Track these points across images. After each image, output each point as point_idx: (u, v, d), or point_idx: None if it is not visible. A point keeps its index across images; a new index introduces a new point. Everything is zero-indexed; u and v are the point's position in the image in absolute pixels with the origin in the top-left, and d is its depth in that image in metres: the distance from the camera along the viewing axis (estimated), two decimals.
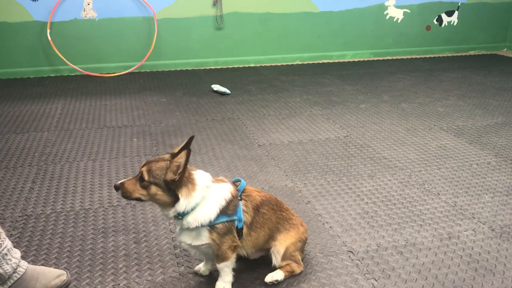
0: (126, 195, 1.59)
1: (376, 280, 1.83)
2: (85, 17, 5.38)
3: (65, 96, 4.51)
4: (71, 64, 5.35)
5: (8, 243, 1.63)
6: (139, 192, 1.58)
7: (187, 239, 1.66)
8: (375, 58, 6.50)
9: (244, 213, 1.69)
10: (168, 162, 1.55)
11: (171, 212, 1.60)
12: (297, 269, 1.85)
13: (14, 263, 1.64)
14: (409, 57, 6.59)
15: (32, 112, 4.00)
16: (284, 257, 1.80)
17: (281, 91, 4.72)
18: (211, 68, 5.87)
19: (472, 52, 6.96)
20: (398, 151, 3.15)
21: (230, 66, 5.99)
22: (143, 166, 1.58)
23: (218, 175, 2.76)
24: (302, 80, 5.17)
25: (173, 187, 1.56)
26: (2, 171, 2.84)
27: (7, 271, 1.61)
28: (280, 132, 3.50)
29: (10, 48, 5.27)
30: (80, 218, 2.29)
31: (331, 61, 6.33)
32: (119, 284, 1.81)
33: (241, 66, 6.02)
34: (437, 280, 1.84)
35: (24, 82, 5.12)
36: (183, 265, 1.92)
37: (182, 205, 1.58)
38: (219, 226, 1.63)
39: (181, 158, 1.53)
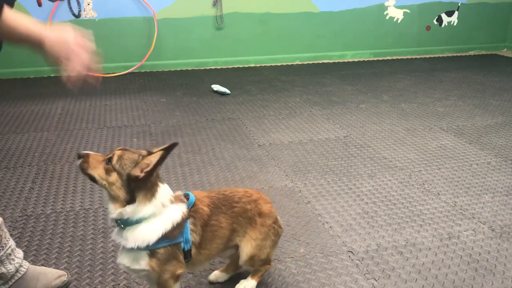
0: (84, 168, 1.41)
1: (376, 280, 1.83)
2: (85, 17, 5.38)
3: (65, 96, 4.51)
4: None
5: (12, 243, 1.64)
6: (98, 171, 1.39)
7: (125, 261, 1.44)
8: (375, 58, 6.50)
9: (192, 233, 1.47)
10: (141, 157, 1.39)
11: (116, 212, 1.38)
12: (268, 267, 1.74)
13: (17, 263, 1.65)
14: (409, 57, 6.59)
15: (32, 112, 4.00)
16: (251, 263, 1.66)
17: (281, 91, 4.72)
18: (211, 68, 5.87)
19: (472, 52, 6.96)
20: (398, 151, 3.15)
21: (230, 66, 5.99)
22: (117, 150, 1.41)
23: (218, 175, 2.77)
24: (302, 80, 5.18)
25: (133, 186, 1.36)
26: (2, 171, 2.84)
27: (10, 270, 1.62)
28: (280, 132, 3.50)
29: (10, 48, 5.26)
30: (80, 218, 2.29)
31: (331, 61, 6.33)
32: (119, 284, 1.81)
33: (241, 66, 6.02)
34: (437, 280, 1.84)
35: (24, 82, 5.12)
36: None
37: (132, 210, 1.37)
38: (160, 251, 1.41)
39: (154, 157, 1.36)
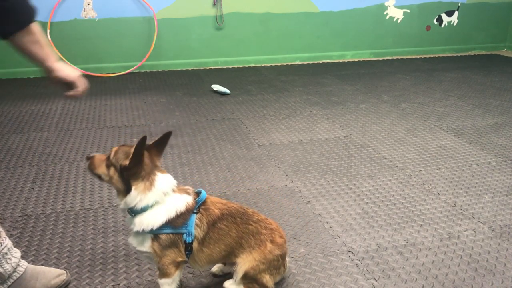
0: (91, 168, 1.55)
1: (376, 280, 1.83)
2: (85, 17, 5.38)
3: (65, 96, 4.51)
4: (71, 64, 5.35)
5: (8, 242, 1.63)
6: (102, 169, 1.52)
7: (133, 242, 1.58)
8: (375, 58, 6.50)
9: (196, 227, 1.55)
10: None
11: (122, 203, 1.52)
12: None
13: (14, 262, 1.64)
14: (409, 57, 6.59)
15: (32, 112, 4.00)
16: (244, 281, 1.65)
17: (281, 91, 4.72)
18: (211, 68, 5.87)
19: (472, 52, 6.96)
20: (398, 151, 3.15)
21: (230, 66, 5.99)
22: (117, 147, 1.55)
23: (218, 175, 2.77)
24: (302, 80, 5.17)
25: (126, 176, 1.48)
26: (2, 171, 2.84)
27: (7, 270, 1.61)
28: (280, 132, 3.50)
29: (10, 48, 5.27)
30: (80, 218, 2.29)
31: (331, 61, 6.33)
32: (119, 284, 1.81)
33: (241, 66, 6.02)
34: (437, 280, 1.84)
35: (24, 82, 5.12)
36: None
37: (132, 198, 1.49)
38: (162, 237, 1.52)
39: (132, 149, 1.47)
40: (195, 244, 1.56)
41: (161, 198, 1.52)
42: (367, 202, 2.45)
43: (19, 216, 2.31)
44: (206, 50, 5.89)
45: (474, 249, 2.05)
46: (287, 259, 1.76)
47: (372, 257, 1.98)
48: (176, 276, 1.59)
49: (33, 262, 1.93)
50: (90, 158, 1.56)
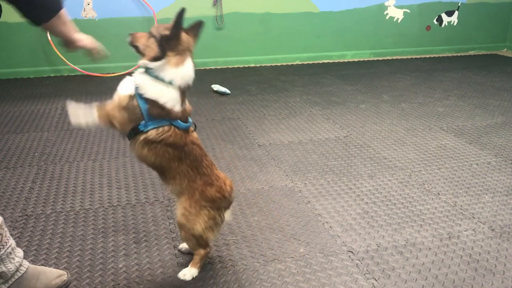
0: (132, 41, 1.65)
1: (376, 280, 1.83)
2: (85, 17, 5.38)
3: (65, 96, 4.51)
4: (71, 64, 5.35)
5: (12, 242, 1.65)
6: (142, 41, 1.63)
7: (121, 84, 1.74)
8: (375, 58, 6.50)
9: (164, 132, 1.66)
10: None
11: (144, 61, 1.62)
12: (203, 253, 1.82)
13: (17, 262, 1.65)
14: (409, 57, 6.59)
15: (32, 112, 4.00)
16: (181, 232, 1.77)
17: (281, 91, 4.72)
18: (211, 68, 5.87)
19: (472, 52, 6.96)
20: (398, 151, 3.15)
21: (230, 66, 5.99)
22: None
23: None
24: (302, 80, 5.18)
25: (165, 45, 1.59)
26: (2, 171, 2.84)
27: (10, 269, 1.62)
28: (280, 132, 3.50)
29: (10, 48, 5.27)
30: (80, 218, 2.29)
31: (331, 61, 6.33)
32: (119, 284, 1.82)
33: (241, 66, 6.02)
34: (437, 280, 1.84)
35: (24, 82, 5.12)
36: (183, 265, 1.92)
37: (159, 65, 1.60)
38: (130, 101, 1.66)
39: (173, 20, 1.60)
40: (145, 136, 1.63)
41: (177, 80, 1.64)
42: (367, 202, 2.45)
43: (19, 216, 2.31)
44: (206, 50, 5.89)
45: (474, 249, 2.05)
46: (226, 213, 1.83)
47: (372, 257, 1.98)
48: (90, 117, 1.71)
49: (33, 262, 1.93)
50: (132, 34, 1.66)
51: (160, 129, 1.64)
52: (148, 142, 1.64)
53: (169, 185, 1.77)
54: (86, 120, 1.67)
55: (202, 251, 1.81)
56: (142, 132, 1.63)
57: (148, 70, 1.63)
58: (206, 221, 1.73)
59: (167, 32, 1.59)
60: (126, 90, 1.68)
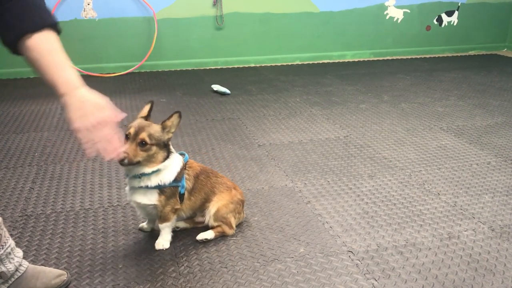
0: (131, 161, 1.75)
1: (376, 280, 1.83)
2: (85, 17, 5.38)
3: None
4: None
5: (11, 242, 1.64)
6: (140, 155, 1.78)
7: (138, 198, 1.89)
8: (375, 58, 6.50)
9: (186, 181, 1.97)
10: (161, 124, 1.85)
11: (150, 169, 1.82)
12: (228, 231, 2.09)
13: (17, 262, 1.65)
14: (409, 57, 6.59)
15: (32, 112, 4.00)
16: (215, 218, 2.05)
17: (281, 91, 4.72)
18: (211, 68, 5.87)
19: (472, 52, 6.96)
20: (398, 151, 3.15)
21: (230, 66, 6.00)
22: (139, 133, 1.77)
23: None
24: (302, 80, 5.18)
25: (167, 145, 1.87)
26: (2, 171, 2.84)
27: (10, 269, 1.62)
28: (280, 132, 3.50)
29: None
30: (80, 218, 2.29)
31: (331, 61, 6.33)
32: (119, 284, 1.81)
33: (241, 66, 6.02)
34: (437, 280, 1.84)
35: (24, 82, 5.12)
36: (183, 264, 1.92)
37: (168, 162, 1.87)
38: (167, 190, 1.89)
39: (174, 120, 1.87)
40: (186, 194, 1.99)
41: (175, 157, 1.93)
42: (367, 202, 2.45)
43: (19, 216, 2.31)
44: (206, 50, 5.89)
45: (474, 249, 2.05)
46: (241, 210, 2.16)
47: (372, 257, 1.98)
48: (174, 220, 2.01)
49: (33, 262, 1.93)
50: (123, 158, 1.70)
51: (187, 179, 2.03)
52: (190, 192, 2.04)
53: (213, 199, 2.09)
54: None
55: (226, 228, 2.08)
56: (184, 193, 2.01)
57: (143, 174, 1.87)
58: (235, 208, 2.11)
59: (170, 135, 1.91)
60: (154, 196, 1.93)
